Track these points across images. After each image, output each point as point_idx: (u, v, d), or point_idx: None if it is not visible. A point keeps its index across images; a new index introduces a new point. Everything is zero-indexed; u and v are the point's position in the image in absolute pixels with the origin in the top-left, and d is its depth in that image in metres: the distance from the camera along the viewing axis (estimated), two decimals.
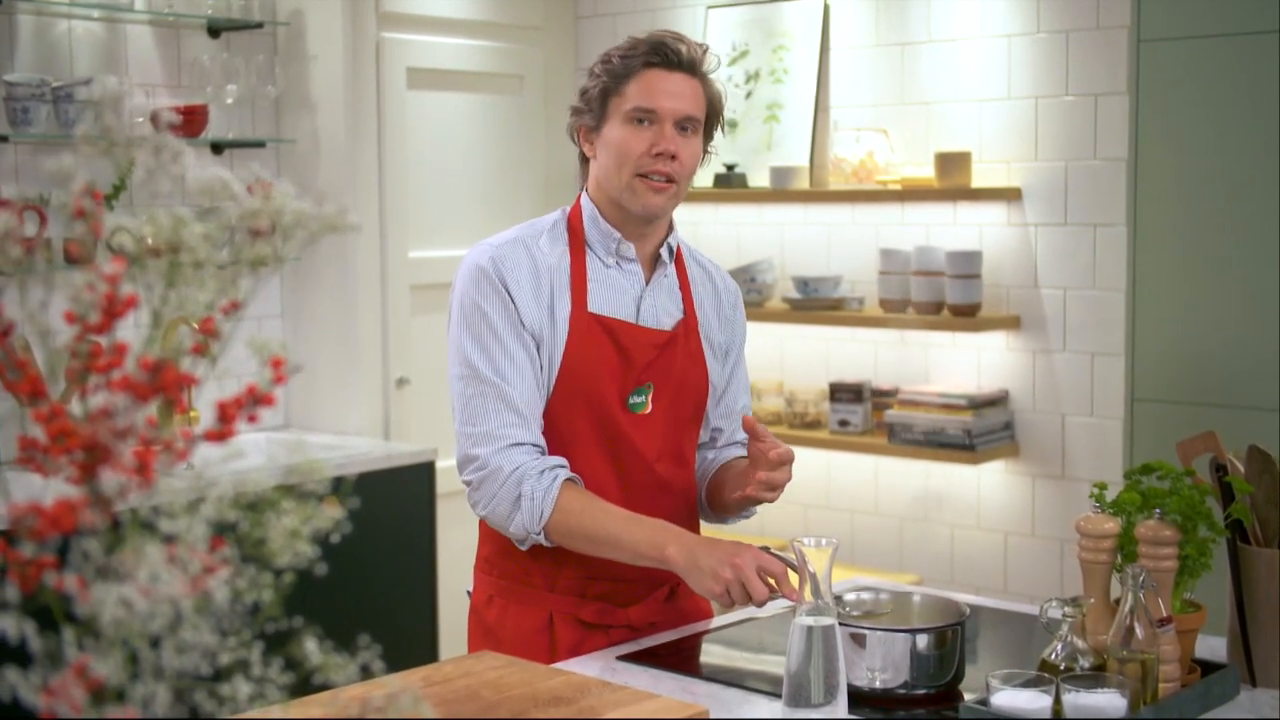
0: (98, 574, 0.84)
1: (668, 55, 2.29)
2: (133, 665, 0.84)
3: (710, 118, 2.36)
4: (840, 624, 1.90)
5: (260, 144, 4.32)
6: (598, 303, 2.31)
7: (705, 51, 2.35)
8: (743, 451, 2.53)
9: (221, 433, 0.96)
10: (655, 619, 2.38)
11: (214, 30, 4.25)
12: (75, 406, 1.02)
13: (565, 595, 2.32)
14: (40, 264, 0.88)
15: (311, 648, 0.92)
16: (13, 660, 0.89)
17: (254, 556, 0.94)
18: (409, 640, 4.09)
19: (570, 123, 2.39)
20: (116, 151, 1.04)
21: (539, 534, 2.21)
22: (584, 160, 2.39)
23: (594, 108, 2.32)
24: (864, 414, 4.40)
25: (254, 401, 0.98)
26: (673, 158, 2.27)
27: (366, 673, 1.00)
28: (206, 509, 0.87)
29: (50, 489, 0.98)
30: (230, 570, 0.88)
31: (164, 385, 0.89)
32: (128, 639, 0.86)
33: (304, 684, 1.04)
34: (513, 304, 2.25)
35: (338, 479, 0.93)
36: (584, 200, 2.37)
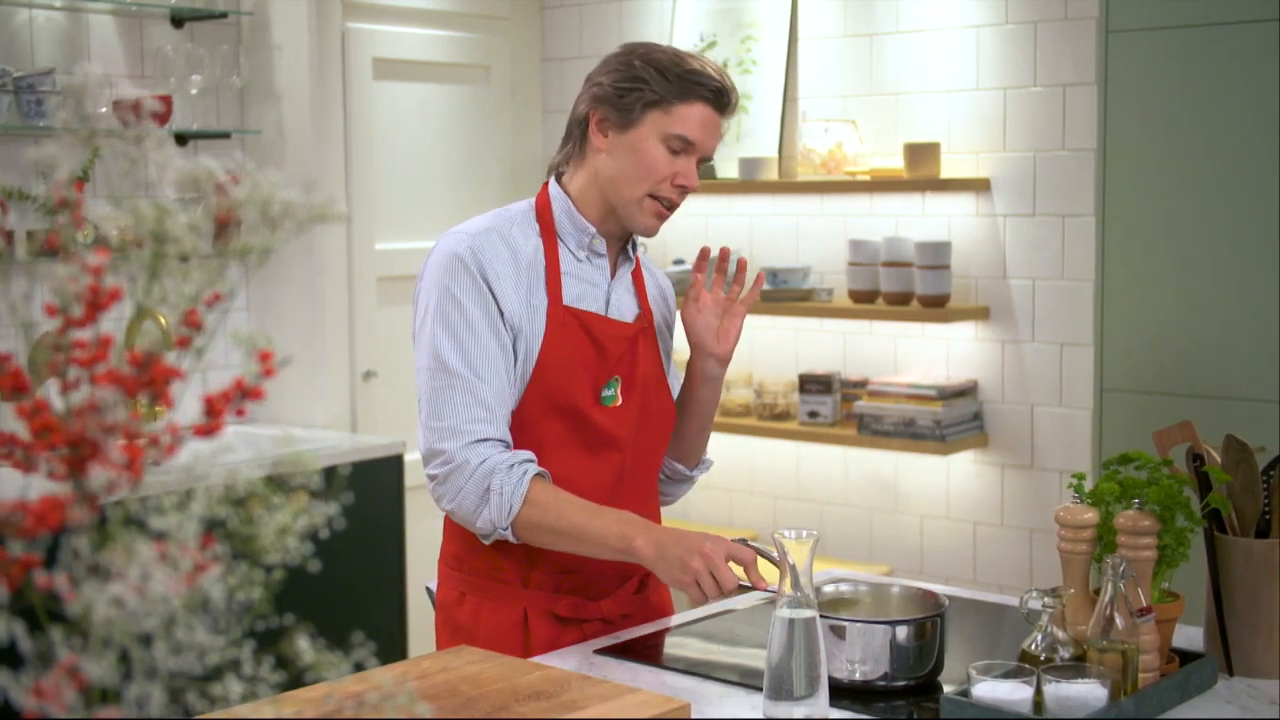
0: (89, 572, 0.82)
1: (724, 104, 2.28)
2: (123, 665, 0.82)
3: None
4: (820, 616, 1.90)
5: (225, 135, 4.28)
6: (571, 295, 2.29)
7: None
8: None
9: (209, 427, 0.94)
10: (627, 611, 2.37)
11: (177, 20, 4.20)
12: (55, 400, 0.99)
13: (539, 590, 2.30)
14: (10, 256, 0.86)
15: (304, 645, 0.90)
16: (2, 661, 0.87)
17: (243, 553, 0.92)
18: (377, 635, 4.06)
19: (588, 103, 2.30)
20: (96, 140, 1.02)
21: (506, 529, 2.19)
22: (578, 143, 2.33)
23: (630, 109, 2.26)
24: (833, 405, 4.40)
25: (242, 395, 0.96)
26: (686, 191, 2.29)
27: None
28: (197, 505, 0.85)
29: (27, 485, 0.96)
30: (221, 568, 0.86)
31: (153, 379, 0.87)
32: (114, 638, 0.84)
33: (291, 682, 1.02)
34: (492, 295, 2.23)
35: (329, 472, 0.91)
36: (554, 190, 2.34)
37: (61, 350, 0.98)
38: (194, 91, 4.12)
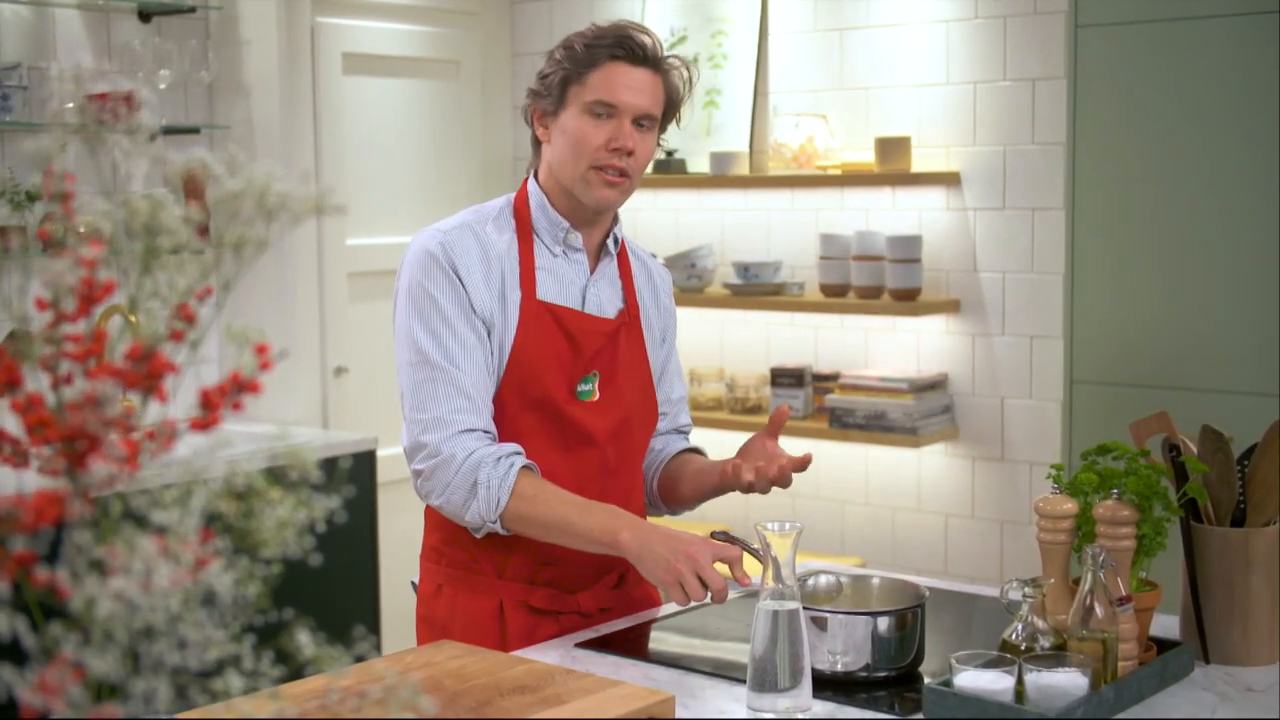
0: (90, 567, 0.81)
1: (633, 49, 2.27)
2: (128, 661, 0.81)
3: (667, 111, 2.35)
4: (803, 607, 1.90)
5: (194, 130, 4.25)
6: (545, 291, 2.29)
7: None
8: (685, 442, 2.54)
9: (206, 421, 0.94)
10: (606, 604, 2.37)
11: (145, 14, 4.17)
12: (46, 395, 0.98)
13: (514, 582, 2.30)
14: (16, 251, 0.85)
15: (304, 640, 0.89)
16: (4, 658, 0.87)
17: (241, 547, 0.91)
18: (351, 631, 4.05)
19: (526, 104, 2.37)
20: (87, 134, 1.01)
21: (495, 522, 2.19)
22: (536, 143, 2.37)
23: (553, 93, 2.30)
24: (805, 398, 4.41)
25: (238, 389, 0.95)
26: (629, 153, 2.26)
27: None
28: (197, 499, 0.85)
29: (21, 480, 0.95)
30: (222, 562, 0.86)
31: (153, 373, 0.87)
32: (113, 632, 0.84)
33: (283, 676, 1.01)
34: (463, 289, 2.23)
35: (330, 466, 0.91)
36: (531, 186, 2.35)
37: (53, 344, 0.98)
38: (162, 86, 4.09)
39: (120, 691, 0.83)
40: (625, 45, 2.27)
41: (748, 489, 2.34)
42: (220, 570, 0.86)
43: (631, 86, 2.27)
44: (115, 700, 0.82)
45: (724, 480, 2.38)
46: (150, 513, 0.85)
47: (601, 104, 2.26)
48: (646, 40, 2.30)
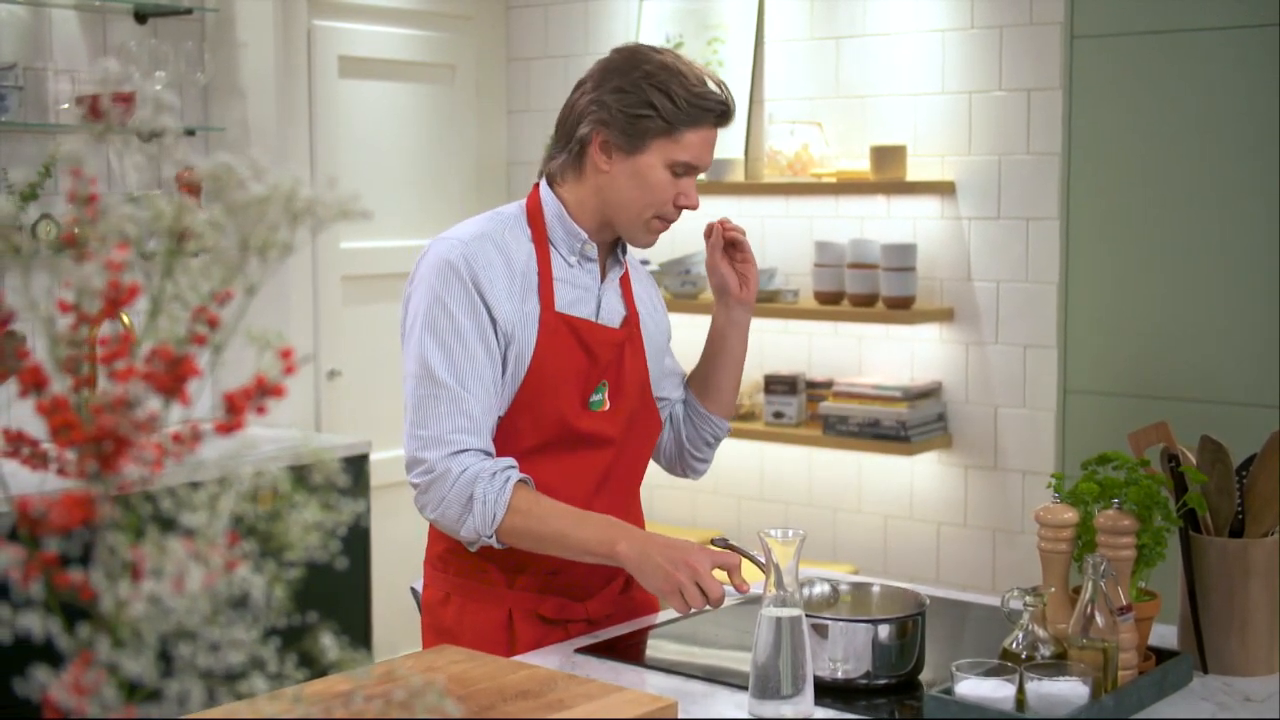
0: (117, 569, 0.81)
1: (725, 120, 2.27)
2: (157, 662, 0.81)
3: None
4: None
5: (190, 132, 4.25)
6: (563, 302, 2.28)
7: None
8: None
9: (230, 424, 0.94)
10: (611, 611, 2.37)
11: (141, 15, 4.17)
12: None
13: (524, 591, 2.29)
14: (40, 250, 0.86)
15: (328, 643, 0.90)
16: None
17: (266, 550, 0.92)
18: (344, 635, 4.04)
19: (592, 124, 2.24)
20: (110, 134, 1.02)
21: (490, 537, 2.19)
22: (579, 157, 2.27)
23: (636, 134, 2.22)
24: (798, 406, 4.42)
25: (262, 393, 0.95)
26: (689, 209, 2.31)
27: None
28: (225, 502, 0.85)
29: (42, 481, 0.95)
30: (249, 565, 0.86)
31: (180, 376, 0.87)
32: (143, 634, 0.84)
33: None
34: (483, 304, 2.20)
35: (356, 473, 0.91)
36: (546, 194, 2.31)
37: (77, 346, 0.98)
38: (158, 88, 4.08)
39: (142, 692, 0.83)
40: (726, 118, 2.26)
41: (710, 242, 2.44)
42: (249, 572, 0.86)
43: (712, 147, 2.28)
44: (136, 700, 0.82)
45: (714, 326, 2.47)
46: (179, 514, 0.85)
47: (688, 166, 2.24)
48: (735, 108, 2.29)
